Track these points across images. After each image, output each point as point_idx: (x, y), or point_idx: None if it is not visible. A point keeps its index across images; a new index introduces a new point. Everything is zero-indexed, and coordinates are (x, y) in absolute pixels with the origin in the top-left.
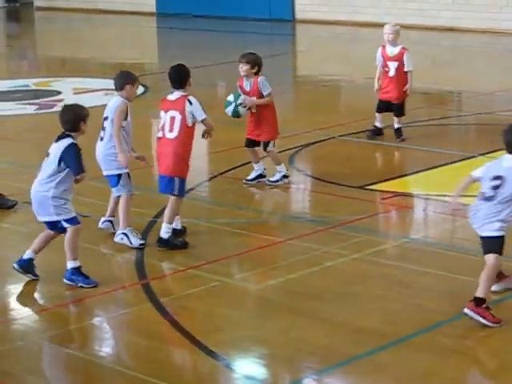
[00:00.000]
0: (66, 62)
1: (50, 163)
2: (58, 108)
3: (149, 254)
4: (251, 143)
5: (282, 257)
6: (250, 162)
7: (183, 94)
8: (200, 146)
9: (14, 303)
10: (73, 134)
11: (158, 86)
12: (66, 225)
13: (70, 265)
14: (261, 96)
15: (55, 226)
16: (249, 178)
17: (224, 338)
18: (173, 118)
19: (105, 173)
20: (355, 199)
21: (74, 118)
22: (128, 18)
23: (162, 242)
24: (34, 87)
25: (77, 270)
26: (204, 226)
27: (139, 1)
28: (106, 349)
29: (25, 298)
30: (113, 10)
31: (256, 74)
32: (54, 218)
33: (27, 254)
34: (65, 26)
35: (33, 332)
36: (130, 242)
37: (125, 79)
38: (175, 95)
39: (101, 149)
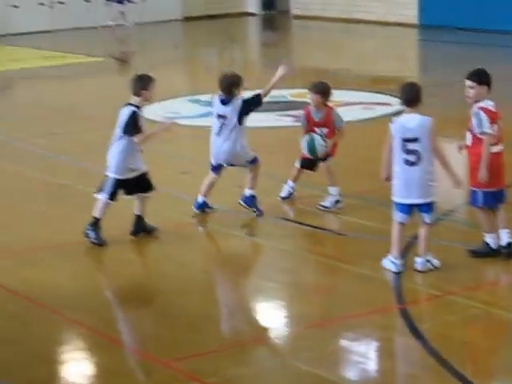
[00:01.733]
0: (322, 73)
1: None
2: None
3: (407, 277)
4: (308, 165)
5: None
6: None
7: None
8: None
9: (269, 321)
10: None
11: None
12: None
13: (249, 192)
14: (333, 126)
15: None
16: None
17: (483, 368)
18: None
19: (419, 200)
20: None
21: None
22: (388, 28)
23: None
24: (290, 98)
25: (253, 198)
26: (462, 250)
27: (401, 12)
28: (357, 373)
29: (282, 318)
30: (373, 20)
31: (325, 103)
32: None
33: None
34: (322, 36)
35: (287, 352)
36: (434, 266)
37: (420, 93)
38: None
39: (416, 174)
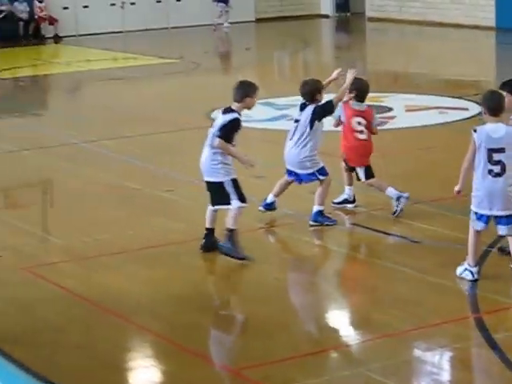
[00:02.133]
0: (397, 76)
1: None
2: (390, 125)
3: (483, 286)
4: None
5: None
6: None
7: None
8: None
9: (341, 330)
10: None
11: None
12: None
13: (317, 208)
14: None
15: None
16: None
17: None
18: None
19: (501, 213)
20: None
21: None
22: (464, 31)
23: None
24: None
25: (321, 213)
26: None
27: (478, 14)
28: None
29: (354, 326)
30: (448, 23)
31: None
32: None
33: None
34: (397, 39)
35: (359, 362)
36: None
37: (503, 101)
38: None
39: (500, 185)
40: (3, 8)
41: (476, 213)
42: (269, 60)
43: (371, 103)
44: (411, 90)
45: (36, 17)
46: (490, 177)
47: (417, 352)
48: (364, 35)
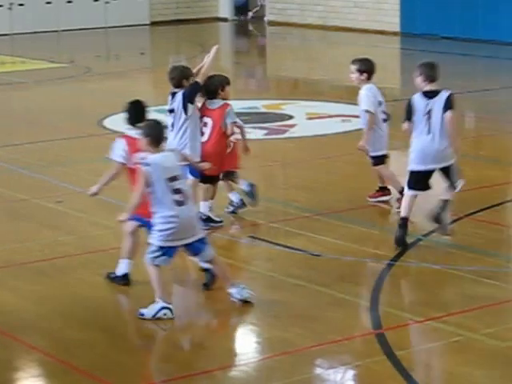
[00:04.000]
0: (298, 83)
1: None
2: (290, 134)
3: (384, 301)
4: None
5: None
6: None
7: None
8: None
9: (239, 347)
10: None
11: (399, 114)
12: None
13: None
14: None
15: None
16: None
17: None
18: None
19: None
20: None
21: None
22: (369, 36)
23: None
24: (263, 110)
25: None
26: (446, 273)
27: (382, 19)
28: None
29: (253, 343)
30: (352, 28)
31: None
32: None
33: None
34: (298, 44)
35: (257, 380)
36: None
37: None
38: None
39: None
40: None
41: None
42: (163, 65)
43: (272, 111)
44: (313, 97)
45: None
46: None
47: (317, 370)
48: (264, 39)
